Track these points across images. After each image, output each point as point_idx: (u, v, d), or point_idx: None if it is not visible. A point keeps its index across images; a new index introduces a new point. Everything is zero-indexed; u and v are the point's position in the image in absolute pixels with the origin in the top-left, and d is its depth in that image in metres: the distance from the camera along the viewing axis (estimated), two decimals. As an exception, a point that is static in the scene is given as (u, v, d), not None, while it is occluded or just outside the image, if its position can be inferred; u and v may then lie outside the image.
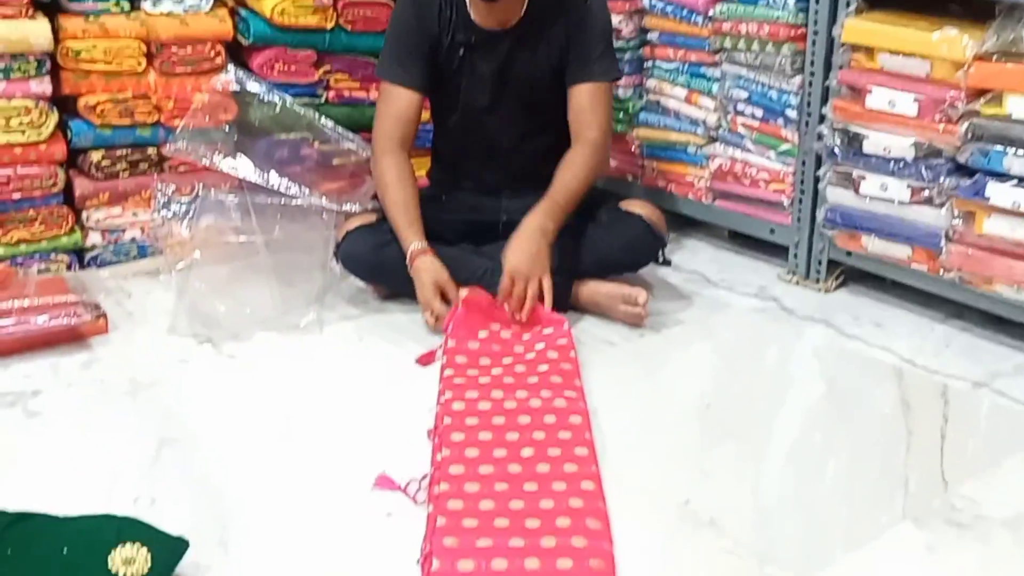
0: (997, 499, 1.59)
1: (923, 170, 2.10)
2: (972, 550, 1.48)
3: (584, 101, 2.23)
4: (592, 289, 2.22)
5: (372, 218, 2.29)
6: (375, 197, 2.36)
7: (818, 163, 2.33)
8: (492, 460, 1.62)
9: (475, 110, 2.27)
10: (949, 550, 1.48)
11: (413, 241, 2.14)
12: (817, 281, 2.40)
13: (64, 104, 2.37)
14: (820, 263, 2.40)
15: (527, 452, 1.63)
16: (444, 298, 2.10)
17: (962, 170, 2.06)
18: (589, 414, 1.77)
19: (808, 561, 1.45)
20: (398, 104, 2.24)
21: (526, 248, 2.08)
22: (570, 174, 2.19)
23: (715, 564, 1.45)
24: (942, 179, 2.08)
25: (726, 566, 1.44)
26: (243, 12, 2.54)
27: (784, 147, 2.41)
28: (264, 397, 1.89)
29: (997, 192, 1.98)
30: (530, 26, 2.23)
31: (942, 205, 2.09)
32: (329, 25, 2.53)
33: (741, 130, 2.48)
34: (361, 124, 2.52)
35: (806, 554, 1.47)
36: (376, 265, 2.24)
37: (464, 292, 2.06)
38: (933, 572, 1.44)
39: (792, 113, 2.36)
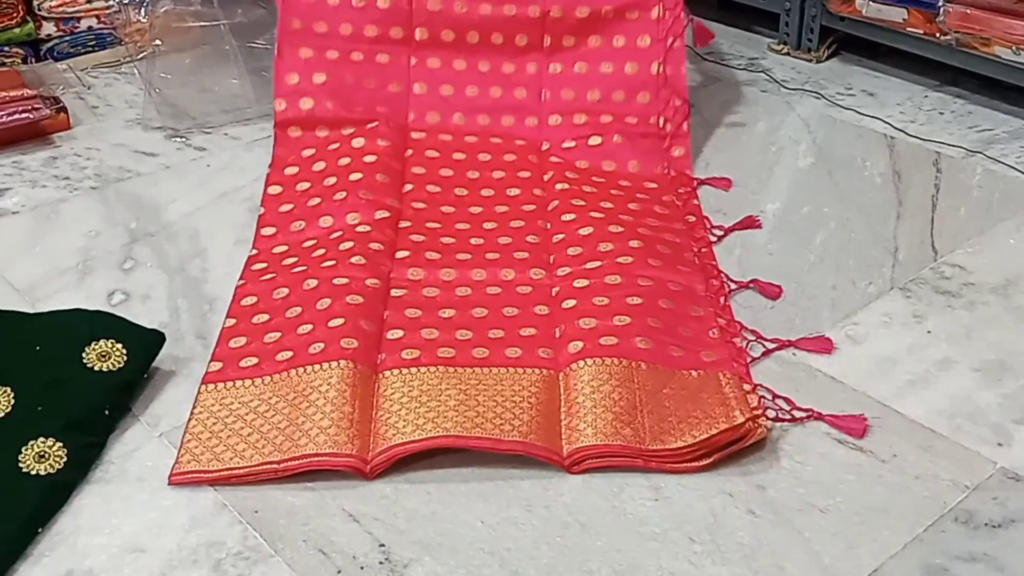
0: (986, 267, 1.56)
1: (924, -77, 1.95)
2: (960, 318, 1.45)
3: None
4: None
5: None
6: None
7: (812, -80, 2.18)
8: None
9: None
10: (938, 318, 1.46)
11: None
12: (809, 51, 2.29)
13: None
14: (812, 31, 2.28)
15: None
16: None
17: (966, -78, 1.91)
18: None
19: (795, 332, 1.42)
20: None
21: None
22: None
23: (701, 340, 1.42)
24: (944, -67, 1.93)
25: (712, 341, 1.41)
26: None
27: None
28: (238, 190, 1.82)
29: (1002, -55, 1.84)
30: None
31: (942, -38, 1.96)
32: None
33: None
34: None
35: (793, 325, 1.44)
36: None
37: None
38: (921, 341, 1.42)
39: None
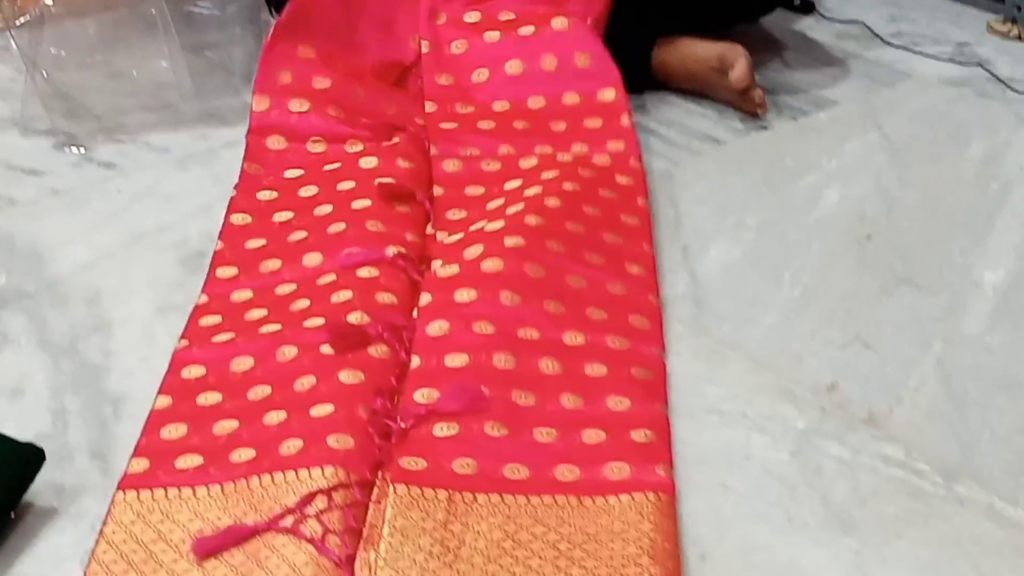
0: None
1: None
2: None
3: None
4: (683, 51, 2.20)
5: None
6: None
7: None
8: None
9: None
10: None
11: None
12: (1052, 33, 2.34)
13: None
14: (1058, 3, 2.33)
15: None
16: None
17: None
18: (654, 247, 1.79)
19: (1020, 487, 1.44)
20: None
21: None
22: None
23: (876, 480, 1.44)
24: None
25: (893, 483, 1.43)
26: None
27: None
28: (163, 230, 1.87)
29: None
30: None
31: None
32: None
33: None
34: None
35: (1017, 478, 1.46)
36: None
37: None
38: None
39: None
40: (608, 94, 2.04)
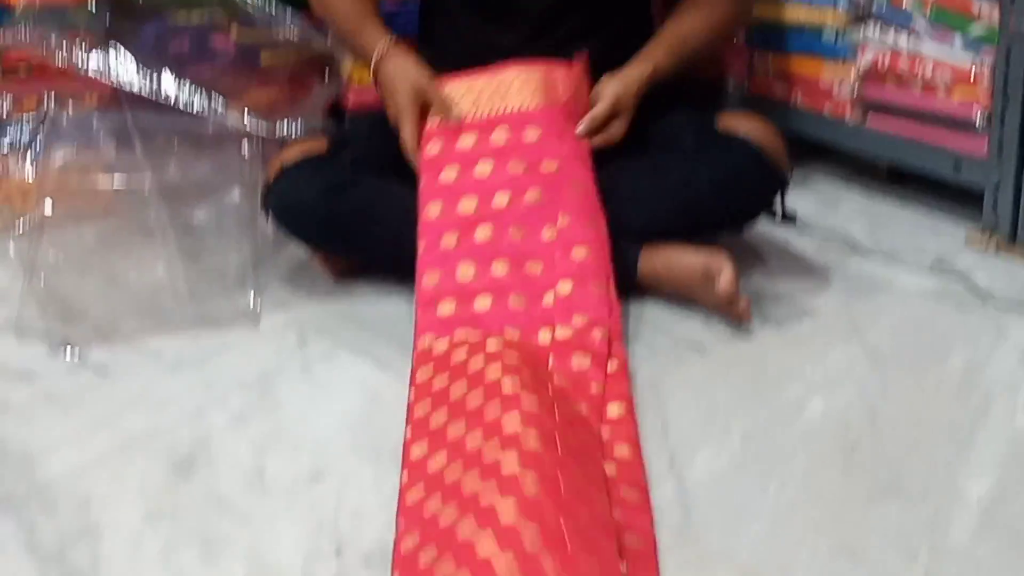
0: None
1: None
2: None
3: None
4: (668, 260, 2.22)
5: (321, 146, 2.31)
6: (332, 112, 2.34)
7: (1030, 56, 2.31)
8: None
9: None
10: None
11: (378, 40, 2.31)
12: (1029, 246, 2.38)
13: None
14: (1033, 216, 2.38)
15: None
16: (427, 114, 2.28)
17: None
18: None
19: None
20: None
21: (632, 79, 2.30)
22: (696, 16, 2.36)
23: None
24: None
25: None
26: None
27: (976, 29, 2.39)
28: (154, 435, 1.88)
29: None
30: None
31: None
32: None
33: (908, 2, 2.47)
34: (306, -2, 2.52)
35: None
36: (327, 219, 2.23)
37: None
38: None
39: (987, -27, 2.34)
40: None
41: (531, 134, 2.21)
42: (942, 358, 2.08)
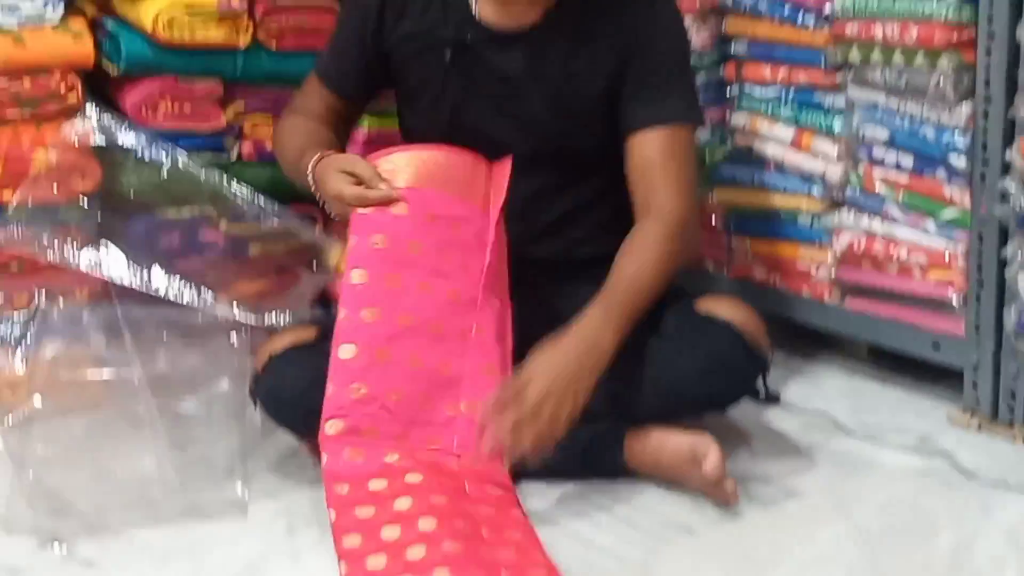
0: None
1: None
2: None
3: (652, 154, 2.28)
4: (655, 443, 2.23)
5: (309, 335, 2.32)
6: (319, 301, 2.37)
7: (1003, 238, 2.34)
8: None
9: (467, 142, 2.33)
10: None
11: (312, 157, 2.28)
12: (1011, 424, 2.39)
13: None
14: (1014, 396, 2.39)
15: None
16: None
17: None
18: None
19: None
20: (311, 101, 2.45)
21: (571, 358, 2.08)
22: (636, 263, 2.21)
23: None
24: None
25: None
26: (110, 25, 2.59)
27: (949, 213, 2.42)
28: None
29: None
30: (561, 25, 2.30)
31: None
32: (242, 42, 2.59)
33: (880, 188, 2.51)
34: (290, 192, 2.53)
35: None
36: (315, 409, 2.22)
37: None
38: None
39: (958, 161, 2.38)
40: None
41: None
42: (929, 537, 2.08)
